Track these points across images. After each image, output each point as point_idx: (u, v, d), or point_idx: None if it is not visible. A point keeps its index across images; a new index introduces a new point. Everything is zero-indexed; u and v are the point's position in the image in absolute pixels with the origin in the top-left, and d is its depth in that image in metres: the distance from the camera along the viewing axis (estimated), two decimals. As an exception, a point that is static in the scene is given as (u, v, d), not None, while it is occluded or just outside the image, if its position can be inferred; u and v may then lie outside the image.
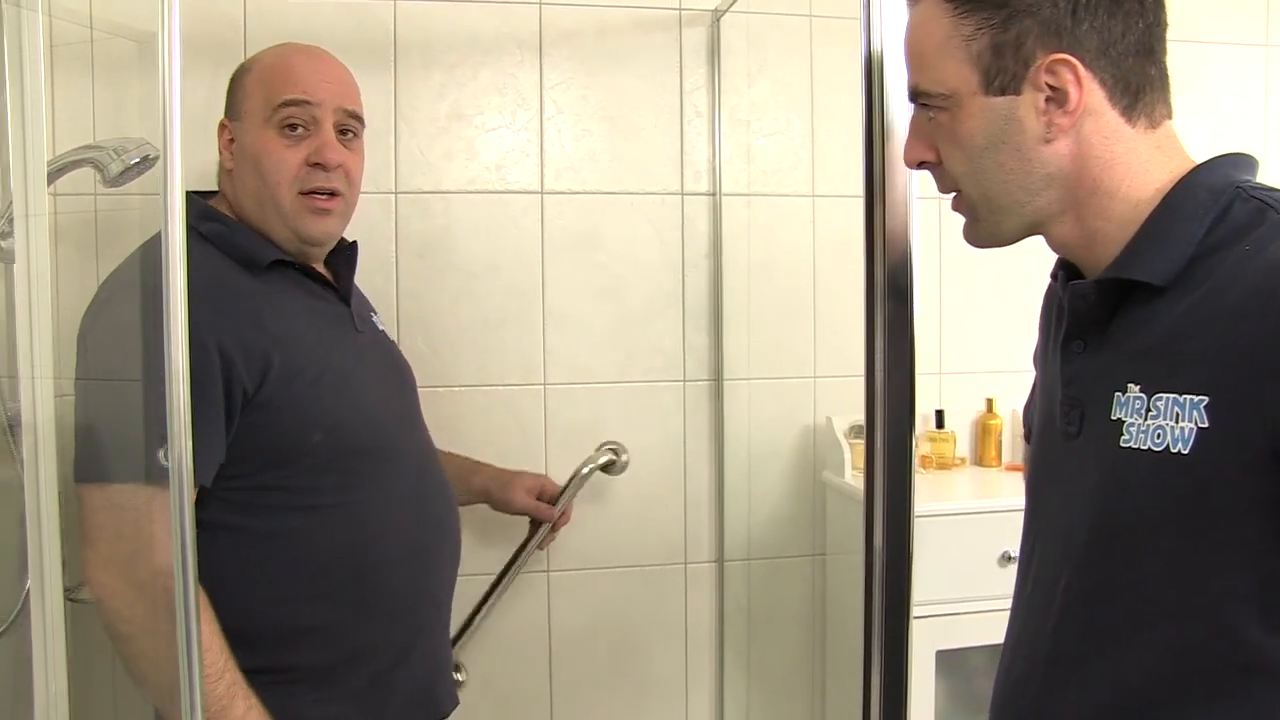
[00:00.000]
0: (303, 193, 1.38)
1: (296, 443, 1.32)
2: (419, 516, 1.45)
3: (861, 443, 1.89)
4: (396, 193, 2.02)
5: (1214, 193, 0.89)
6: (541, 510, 1.85)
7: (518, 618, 2.07)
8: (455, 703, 1.55)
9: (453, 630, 1.69)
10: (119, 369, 1.27)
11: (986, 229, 0.99)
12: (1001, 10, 0.90)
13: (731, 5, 2.07)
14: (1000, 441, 2.26)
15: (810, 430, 2.22)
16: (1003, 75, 0.91)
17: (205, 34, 1.92)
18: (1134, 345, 0.91)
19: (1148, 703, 0.88)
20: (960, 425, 2.26)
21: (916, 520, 1.18)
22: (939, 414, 2.22)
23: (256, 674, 1.27)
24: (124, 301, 1.28)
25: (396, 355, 1.60)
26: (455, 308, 2.06)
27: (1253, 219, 0.87)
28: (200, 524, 1.17)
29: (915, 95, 0.98)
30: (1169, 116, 0.95)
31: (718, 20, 2.13)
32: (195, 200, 1.40)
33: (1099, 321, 0.95)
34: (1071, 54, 0.89)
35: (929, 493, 2.06)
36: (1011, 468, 2.26)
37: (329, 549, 1.35)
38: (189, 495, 0.93)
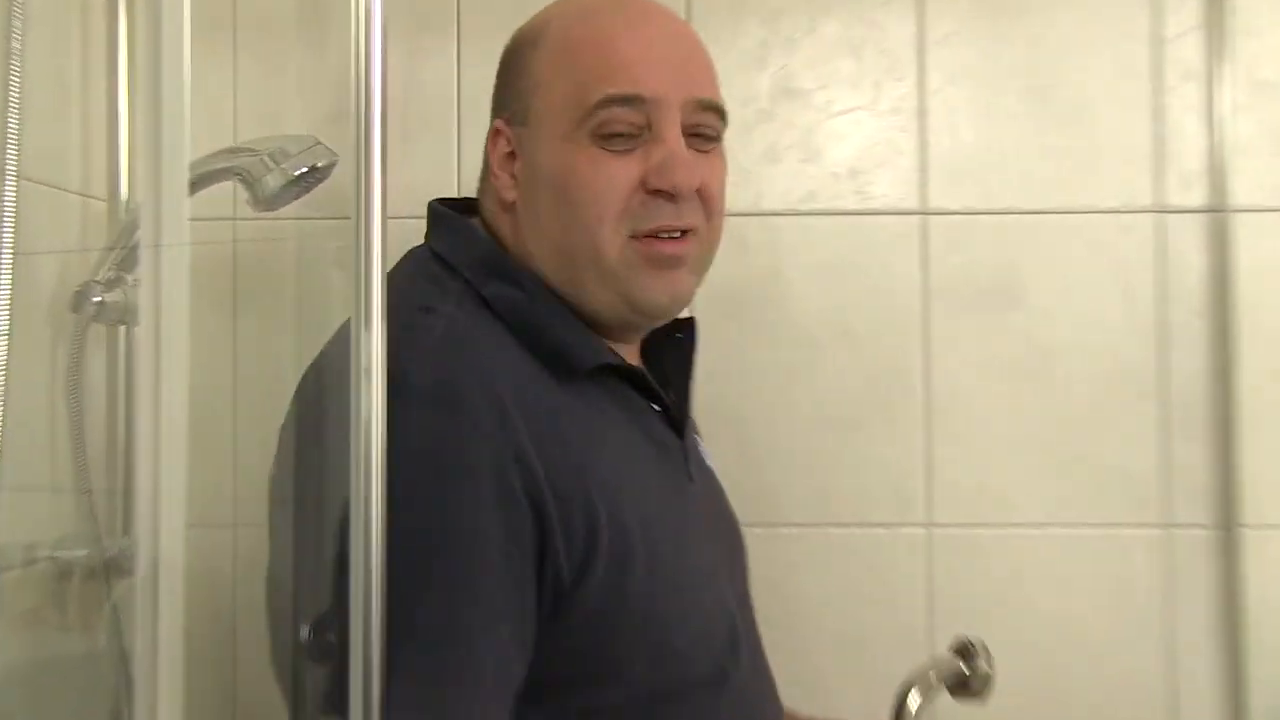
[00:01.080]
0: (637, 236, 1.09)
1: (601, 670, 1.01)
2: None
3: None
4: None
5: None
6: None
7: None
8: None
9: None
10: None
11: None
12: None
13: None
14: None
15: None
16: None
17: None
18: None
19: None
20: None
21: None
22: None
23: None
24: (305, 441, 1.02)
25: (729, 514, 1.25)
26: (783, 398, 1.55)
27: None
28: None
29: None
30: None
31: None
32: (470, 232, 1.13)
33: None
34: None
35: None
36: None
37: None
38: None
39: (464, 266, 1.04)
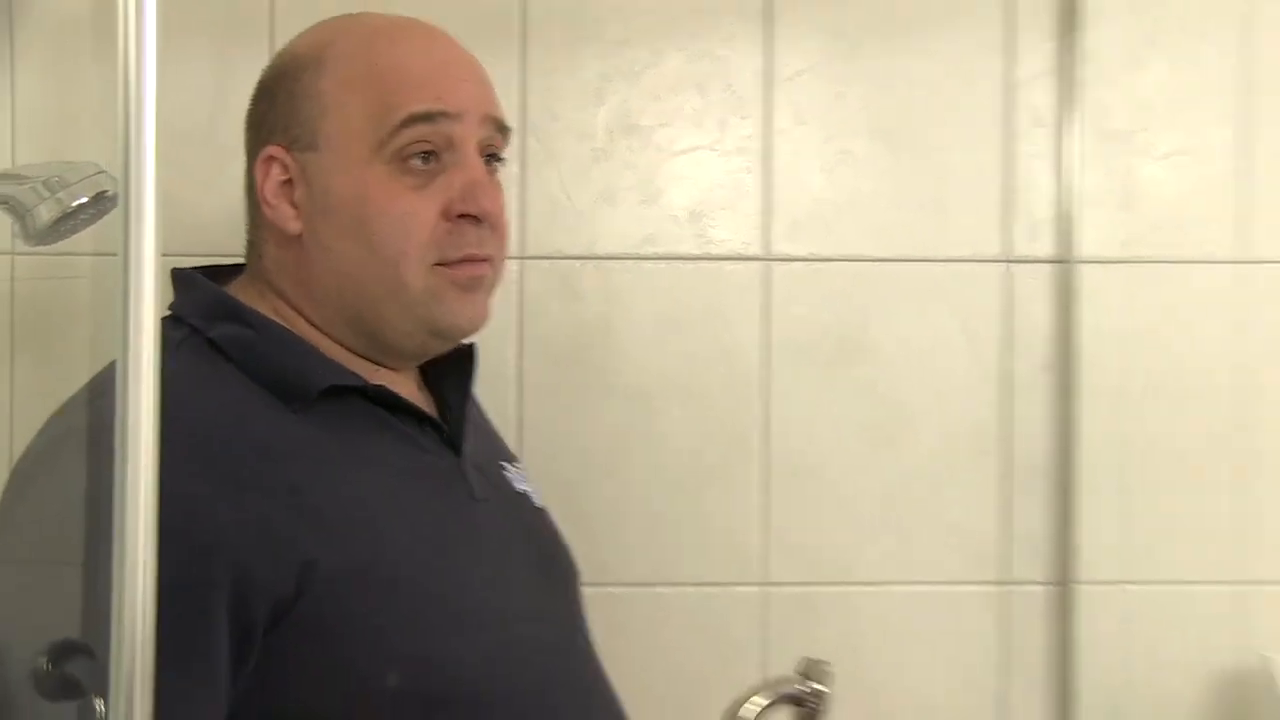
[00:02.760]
0: (444, 263, 1.14)
1: (357, 688, 1.04)
2: None
3: None
4: (522, 258, 1.51)
5: None
6: None
7: None
8: None
9: None
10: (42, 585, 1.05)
11: None
12: None
13: None
14: None
15: (1233, 675, 1.58)
16: None
17: None
18: None
19: None
20: None
21: None
22: None
23: None
24: (59, 467, 1.06)
25: (550, 537, 1.28)
26: (618, 449, 1.54)
27: None
28: None
29: None
30: None
31: None
32: (203, 285, 1.15)
33: None
34: None
35: None
36: None
37: None
38: None
39: (190, 315, 1.06)
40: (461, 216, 1.10)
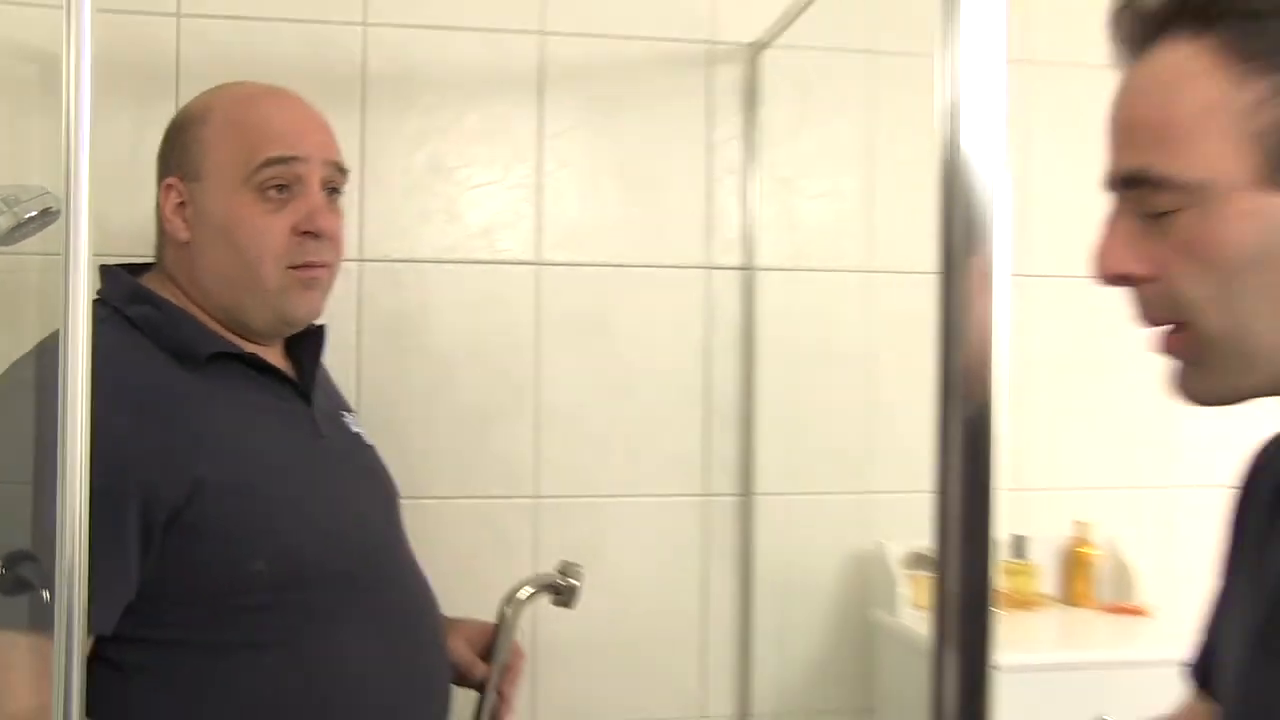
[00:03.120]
0: (292, 267, 1.30)
1: (233, 571, 1.21)
2: (393, 663, 1.30)
3: (919, 574, 1.84)
4: (361, 261, 1.79)
5: None
6: (474, 668, 1.46)
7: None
8: None
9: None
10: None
11: (1224, 379, 0.78)
12: None
13: (774, 38, 1.84)
14: (1095, 576, 1.94)
15: (858, 558, 1.97)
16: None
17: (127, 60, 1.70)
18: None
19: None
20: (1044, 555, 1.96)
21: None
22: (1018, 540, 1.92)
23: None
24: (12, 408, 1.19)
25: (373, 465, 1.45)
26: (429, 402, 1.83)
27: None
28: (107, 663, 1.14)
29: (1136, 180, 0.76)
30: None
31: (756, 56, 1.91)
32: (122, 277, 1.31)
33: None
34: None
35: (1006, 638, 1.84)
36: (1111, 608, 1.94)
37: (272, 700, 1.23)
38: (80, 649, 0.80)
39: (113, 299, 1.24)
40: (305, 233, 1.29)
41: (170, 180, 1.31)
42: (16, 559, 0.98)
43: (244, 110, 1.33)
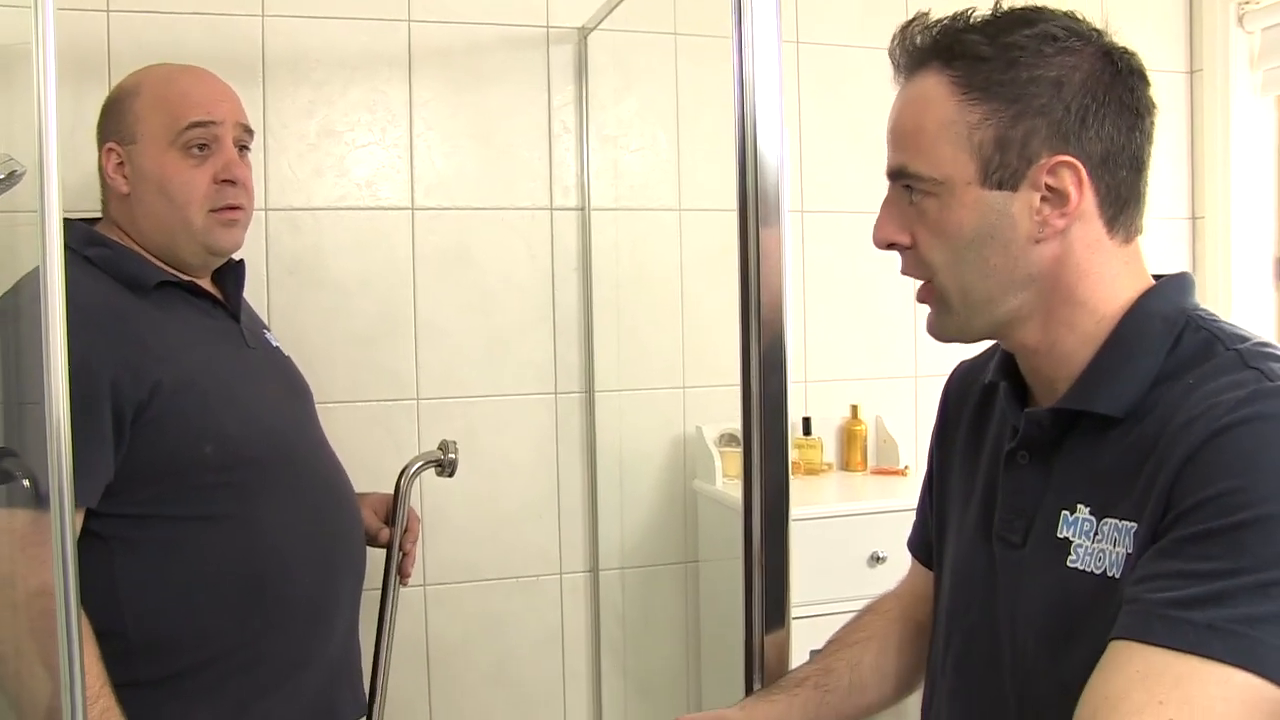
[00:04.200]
0: (213, 210, 1.42)
1: (188, 455, 1.34)
2: (318, 528, 1.46)
3: (731, 450, 2.12)
4: (267, 209, 2.02)
5: (1168, 322, 0.91)
6: (380, 532, 1.68)
7: (395, 631, 2.04)
8: (361, 711, 1.56)
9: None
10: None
11: (957, 323, 0.97)
12: (1013, 106, 0.89)
13: (599, 23, 2.11)
14: (865, 446, 2.34)
15: (681, 440, 2.28)
16: (1003, 170, 0.90)
17: (68, 49, 1.89)
18: (1085, 468, 0.92)
19: None
20: (826, 432, 2.33)
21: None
22: (806, 421, 2.29)
23: (150, 685, 1.31)
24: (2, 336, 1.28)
25: (291, 370, 1.62)
26: (327, 324, 2.07)
27: (1200, 352, 0.89)
28: (94, 536, 1.26)
29: (899, 174, 0.95)
30: (1140, 233, 0.96)
31: (585, 38, 2.17)
32: (79, 226, 1.42)
33: (1052, 441, 0.95)
34: (1075, 158, 0.89)
35: (798, 497, 2.00)
36: (878, 471, 2.34)
37: (224, 560, 1.37)
38: (70, 521, 0.90)
39: (74, 244, 1.29)
40: (224, 181, 1.42)
41: (110, 144, 1.44)
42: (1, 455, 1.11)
43: (168, 85, 1.46)
